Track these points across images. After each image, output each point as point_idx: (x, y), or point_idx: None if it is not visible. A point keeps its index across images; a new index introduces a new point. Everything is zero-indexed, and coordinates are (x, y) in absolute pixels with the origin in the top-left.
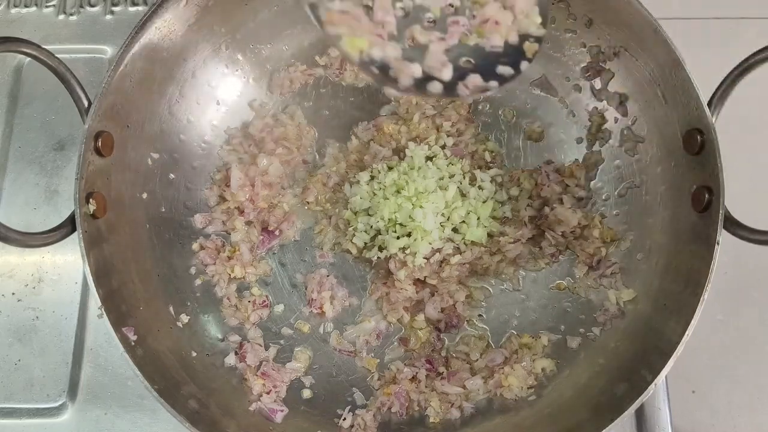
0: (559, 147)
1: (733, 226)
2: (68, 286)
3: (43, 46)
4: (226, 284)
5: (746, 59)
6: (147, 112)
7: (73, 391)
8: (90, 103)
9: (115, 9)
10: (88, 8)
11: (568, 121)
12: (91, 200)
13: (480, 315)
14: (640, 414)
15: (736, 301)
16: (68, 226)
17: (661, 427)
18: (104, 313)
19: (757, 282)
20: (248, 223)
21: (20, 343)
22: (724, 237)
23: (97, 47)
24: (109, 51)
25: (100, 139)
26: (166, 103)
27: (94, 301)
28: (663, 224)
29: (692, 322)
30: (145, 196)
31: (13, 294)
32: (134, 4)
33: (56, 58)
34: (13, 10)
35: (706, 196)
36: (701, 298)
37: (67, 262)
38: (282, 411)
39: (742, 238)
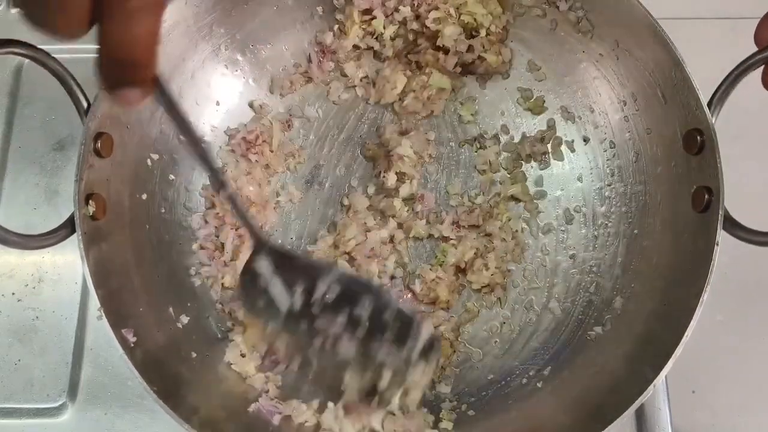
0: None
1: (733, 227)
2: (68, 286)
3: (42, 47)
4: (221, 289)
5: (746, 59)
6: (146, 113)
7: (73, 391)
8: (89, 105)
9: None
10: None
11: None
12: (90, 202)
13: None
14: (640, 414)
15: (736, 302)
16: (68, 227)
17: (661, 427)
18: (103, 314)
19: (757, 283)
20: None
21: (20, 343)
22: (723, 238)
23: (96, 47)
24: None
25: (99, 141)
26: None
27: (94, 301)
28: (663, 224)
29: (692, 322)
30: (144, 197)
31: (13, 294)
32: None
33: (54, 59)
34: (13, 11)
35: (706, 196)
36: (701, 299)
37: (67, 263)
38: (281, 413)
39: (741, 239)
